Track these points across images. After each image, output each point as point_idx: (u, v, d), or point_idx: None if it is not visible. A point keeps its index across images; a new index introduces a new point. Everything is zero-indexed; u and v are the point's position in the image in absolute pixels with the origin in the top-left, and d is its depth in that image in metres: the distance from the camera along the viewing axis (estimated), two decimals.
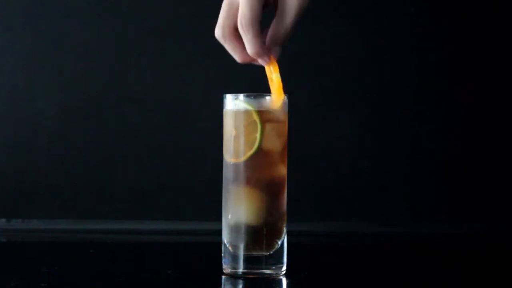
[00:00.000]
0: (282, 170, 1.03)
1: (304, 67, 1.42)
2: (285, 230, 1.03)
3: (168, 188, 1.42)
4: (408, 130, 1.43)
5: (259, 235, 1.01)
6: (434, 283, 1.04)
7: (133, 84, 1.42)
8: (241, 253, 1.02)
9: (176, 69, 1.42)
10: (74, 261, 1.17)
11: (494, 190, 1.42)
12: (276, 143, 1.02)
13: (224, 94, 1.04)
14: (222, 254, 1.04)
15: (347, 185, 1.42)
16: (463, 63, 1.42)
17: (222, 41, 1.02)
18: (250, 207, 1.01)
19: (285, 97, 1.03)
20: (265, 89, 1.04)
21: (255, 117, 1.01)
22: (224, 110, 1.04)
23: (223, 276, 1.03)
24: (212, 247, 1.12)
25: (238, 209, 1.02)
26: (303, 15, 1.01)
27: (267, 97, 1.02)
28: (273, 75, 1.02)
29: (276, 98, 1.02)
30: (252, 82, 1.40)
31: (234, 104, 1.02)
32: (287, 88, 1.03)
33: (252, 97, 1.02)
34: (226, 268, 1.03)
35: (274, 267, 1.02)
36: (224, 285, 1.01)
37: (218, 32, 1.01)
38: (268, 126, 1.01)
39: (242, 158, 1.01)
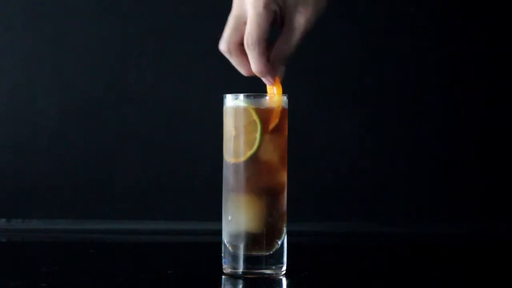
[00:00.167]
0: (282, 170, 1.03)
1: (304, 67, 1.42)
2: (285, 230, 1.03)
3: (168, 188, 1.42)
4: (408, 130, 1.43)
5: (259, 235, 1.01)
6: (434, 283, 1.04)
7: (133, 84, 1.42)
8: (241, 253, 1.02)
9: (176, 69, 1.42)
10: (74, 261, 1.17)
11: (494, 190, 1.42)
12: (276, 143, 1.02)
13: (224, 94, 1.04)
14: (222, 254, 1.04)
15: (347, 185, 1.42)
16: (463, 63, 1.42)
17: (227, 56, 1.02)
18: (250, 207, 1.02)
19: (285, 97, 1.03)
20: (265, 89, 1.04)
21: (255, 117, 1.01)
22: (224, 110, 1.04)
23: (223, 276, 1.03)
24: (212, 247, 1.12)
25: (238, 209, 1.02)
26: (308, 35, 1.01)
27: (267, 97, 1.02)
28: (276, 96, 1.02)
29: (275, 97, 1.02)
30: (252, 82, 1.40)
31: (234, 104, 1.02)
32: (287, 87, 1.03)
33: (252, 97, 1.02)
34: (226, 268, 1.03)
35: (274, 267, 1.02)
36: (224, 285, 1.01)
37: (224, 47, 1.01)
38: (268, 126, 1.01)
39: (242, 158, 1.01)
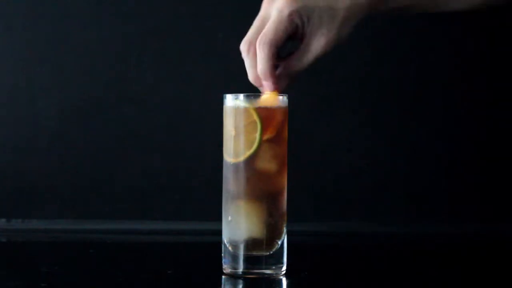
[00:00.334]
0: (282, 171, 1.03)
1: None
2: (285, 230, 1.03)
3: (168, 188, 1.42)
4: (408, 130, 1.43)
5: (259, 235, 1.01)
6: (434, 283, 1.04)
7: (133, 84, 1.42)
8: (241, 253, 1.02)
9: (176, 69, 1.42)
10: (74, 261, 1.17)
11: (494, 190, 1.42)
12: (276, 143, 1.02)
13: (224, 94, 1.04)
14: (222, 254, 1.04)
15: (347, 185, 1.42)
16: (463, 63, 1.42)
17: (244, 54, 1.01)
18: (250, 207, 1.02)
19: (285, 97, 1.03)
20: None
21: (255, 117, 1.01)
22: (224, 110, 1.04)
23: (223, 276, 1.03)
24: (212, 247, 1.12)
25: (238, 209, 1.02)
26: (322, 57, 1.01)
27: (267, 97, 1.02)
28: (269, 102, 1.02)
29: (276, 97, 1.02)
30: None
31: (234, 104, 1.02)
32: (287, 87, 1.03)
33: (252, 97, 1.02)
34: (226, 268, 1.03)
35: (274, 267, 1.02)
36: (224, 285, 1.01)
37: (244, 46, 1.01)
38: (268, 126, 1.01)
39: (242, 158, 1.01)
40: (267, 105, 1.02)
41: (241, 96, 1.02)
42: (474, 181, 1.42)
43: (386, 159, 1.42)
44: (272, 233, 1.02)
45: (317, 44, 1.00)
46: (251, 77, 1.01)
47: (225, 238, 1.03)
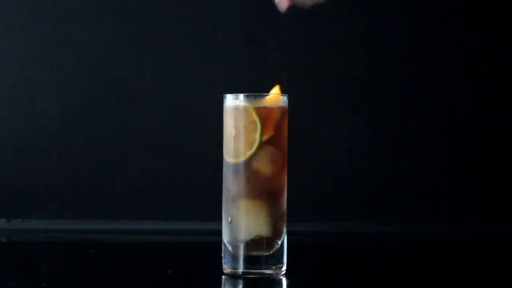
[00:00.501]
0: (282, 171, 1.03)
1: (304, 67, 1.42)
2: (285, 230, 1.03)
3: (168, 188, 1.42)
4: (408, 130, 1.43)
5: (259, 235, 1.01)
6: (434, 283, 1.04)
7: (133, 84, 1.42)
8: (241, 253, 1.02)
9: (176, 69, 1.42)
10: (74, 261, 1.17)
11: (494, 190, 1.42)
12: (276, 143, 1.02)
13: (224, 94, 1.04)
14: (222, 254, 1.04)
15: (347, 185, 1.42)
16: (463, 63, 1.42)
17: None
18: (250, 207, 1.02)
19: (285, 97, 1.03)
20: (265, 89, 1.04)
21: (255, 117, 1.01)
22: (224, 110, 1.04)
23: (223, 276, 1.03)
24: (212, 247, 1.12)
25: (238, 209, 1.02)
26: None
27: (267, 97, 1.02)
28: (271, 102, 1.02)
29: (275, 97, 1.02)
30: (252, 82, 1.41)
31: (234, 104, 1.02)
32: (288, 87, 1.04)
33: (252, 97, 1.02)
34: (226, 268, 1.03)
35: (274, 267, 1.02)
36: (224, 285, 1.01)
37: None
38: (268, 126, 1.01)
39: (242, 158, 1.01)
40: (267, 105, 1.02)
41: (241, 96, 1.02)
42: (474, 181, 1.42)
43: (386, 159, 1.42)
44: (272, 233, 1.02)
45: None
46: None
47: (225, 238, 1.03)
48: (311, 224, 1.40)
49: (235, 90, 1.04)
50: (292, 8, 1.09)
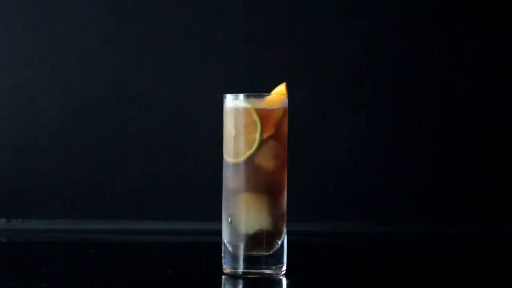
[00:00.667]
0: (282, 170, 1.03)
1: (304, 67, 1.42)
2: (285, 230, 1.03)
3: (168, 188, 1.42)
4: (408, 130, 1.43)
5: (259, 236, 1.01)
6: (434, 283, 1.04)
7: (133, 84, 1.42)
8: (241, 253, 1.02)
9: (176, 69, 1.42)
10: (74, 261, 1.17)
11: (494, 190, 1.41)
12: (276, 143, 1.02)
13: (224, 94, 1.04)
14: (222, 254, 1.04)
15: (347, 185, 1.42)
16: (463, 63, 1.42)
17: None
18: (250, 207, 1.02)
19: (285, 97, 1.03)
20: (265, 89, 1.04)
21: (255, 117, 1.01)
22: (224, 110, 1.04)
23: (223, 276, 1.03)
24: (212, 247, 1.12)
25: (238, 209, 1.02)
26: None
27: (267, 97, 1.02)
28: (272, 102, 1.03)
29: (275, 97, 1.02)
30: (252, 82, 1.41)
31: (234, 104, 1.02)
32: (288, 87, 1.04)
33: (252, 97, 1.02)
34: (226, 268, 1.03)
35: (274, 267, 1.02)
36: (224, 285, 1.01)
37: None
38: (268, 126, 1.01)
39: (242, 158, 1.01)
40: (267, 105, 1.02)
41: (241, 96, 1.02)
42: (474, 181, 1.42)
43: (386, 159, 1.42)
44: (272, 233, 1.02)
45: None
46: None
47: (225, 238, 1.03)
48: (311, 224, 1.40)
49: (235, 90, 1.04)
50: None
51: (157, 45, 1.42)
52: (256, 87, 1.05)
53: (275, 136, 1.02)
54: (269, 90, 1.04)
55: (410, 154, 1.42)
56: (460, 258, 1.22)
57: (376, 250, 1.28)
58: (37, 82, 1.42)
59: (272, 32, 1.42)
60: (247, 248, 1.01)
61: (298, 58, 1.42)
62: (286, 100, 1.03)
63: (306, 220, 1.40)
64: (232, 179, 1.02)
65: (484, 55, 1.42)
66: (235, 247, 1.02)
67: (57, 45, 1.42)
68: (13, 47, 1.42)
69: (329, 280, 1.05)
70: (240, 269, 1.02)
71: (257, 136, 1.01)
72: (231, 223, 1.03)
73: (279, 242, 1.02)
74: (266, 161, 1.02)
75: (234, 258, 1.02)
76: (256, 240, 1.01)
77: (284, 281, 1.01)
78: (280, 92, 1.03)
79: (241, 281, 1.01)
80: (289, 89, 1.04)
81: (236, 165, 1.02)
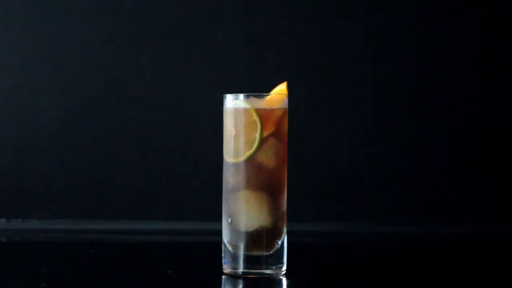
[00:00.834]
0: (282, 169, 1.03)
1: (304, 67, 1.42)
2: (285, 230, 1.03)
3: (168, 188, 1.42)
4: (408, 130, 1.42)
5: (259, 235, 1.01)
6: (434, 283, 1.04)
7: (133, 84, 1.42)
8: (241, 253, 1.02)
9: (176, 69, 1.42)
10: (74, 261, 1.17)
11: (494, 190, 1.41)
12: (276, 143, 1.02)
13: (224, 94, 1.04)
14: (222, 254, 1.04)
15: (347, 185, 1.42)
16: (463, 63, 1.42)
17: None
18: (250, 207, 1.02)
19: (285, 97, 1.03)
20: (265, 89, 1.04)
21: (255, 117, 1.01)
22: (224, 110, 1.04)
23: (223, 276, 1.03)
24: (212, 247, 1.12)
25: (238, 209, 1.02)
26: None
27: (267, 97, 1.02)
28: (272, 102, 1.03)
29: (275, 97, 1.02)
30: (252, 82, 1.41)
31: (234, 104, 1.02)
32: (288, 87, 1.04)
33: (252, 97, 1.02)
34: (226, 268, 1.03)
35: (274, 267, 1.02)
36: (224, 285, 1.01)
37: None
38: (268, 126, 1.01)
39: (242, 158, 1.01)
40: (267, 105, 1.02)
41: (241, 96, 1.02)
42: (474, 181, 1.42)
43: (386, 159, 1.42)
44: (272, 233, 1.02)
45: None
46: None
47: (225, 238, 1.03)
48: (311, 224, 1.40)
49: (235, 90, 1.04)
50: None
51: (157, 45, 1.42)
52: (256, 87, 1.05)
53: (275, 135, 1.02)
54: (269, 90, 1.04)
55: (410, 154, 1.42)
56: (460, 258, 1.22)
57: (376, 250, 1.28)
58: (37, 82, 1.42)
59: (272, 32, 1.42)
60: (247, 248, 1.01)
61: (298, 58, 1.42)
62: (286, 100, 1.03)
63: (306, 220, 1.40)
64: (232, 179, 1.02)
65: (484, 55, 1.42)
66: (235, 247, 1.02)
67: (57, 45, 1.42)
68: (13, 47, 1.42)
69: (329, 280, 1.05)
70: (240, 269, 1.02)
71: (257, 136, 1.01)
72: (231, 223, 1.03)
73: (279, 242, 1.02)
74: (267, 159, 1.02)
75: (234, 258, 1.02)
76: (256, 240, 1.01)
77: (284, 281, 1.01)
78: (280, 91, 1.03)
79: (241, 281, 1.01)
80: (289, 89, 1.04)
81: (236, 165, 1.02)
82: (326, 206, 1.42)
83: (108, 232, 1.38)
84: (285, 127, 1.03)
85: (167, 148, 1.42)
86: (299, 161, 1.36)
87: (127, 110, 1.42)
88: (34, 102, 1.42)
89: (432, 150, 1.42)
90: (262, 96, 1.02)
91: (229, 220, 1.03)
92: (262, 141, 1.01)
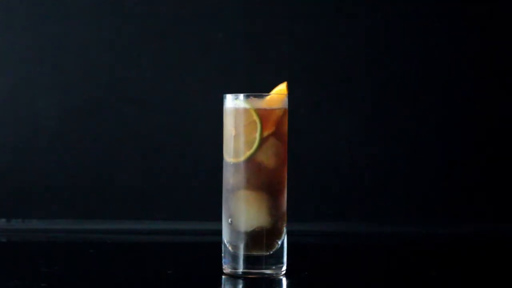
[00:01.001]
0: (282, 170, 1.03)
1: (304, 67, 1.42)
2: (285, 230, 1.03)
3: (168, 188, 1.42)
4: (408, 130, 1.43)
5: (259, 235, 1.01)
6: (434, 283, 1.04)
7: (133, 84, 1.42)
8: (241, 253, 1.02)
9: (176, 69, 1.42)
10: (74, 261, 1.17)
11: (494, 190, 1.41)
12: (276, 143, 1.02)
13: (224, 94, 1.04)
14: (222, 254, 1.04)
15: (347, 185, 1.42)
16: (463, 63, 1.42)
17: None
18: (250, 207, 1.02)
19: (285, 97, 1.03)
20: (265, 89, 1.04)
21: (255, 117, 1.01)
22: (224, 110, 1.04)
23: (223, 276, 1.03)
24: (212, 247, 1.12)
25: (238, 209, 1.02)
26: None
27: (267, 97, 1.02)
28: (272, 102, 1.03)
29: (275, 97, 1.02)
30: (252, 82, 1.41)
31: (234, 104, 1.02)
32: (288, 87, 1.04)
33: (252, 97, 1.02)
34: (226, 268, 1.03)
35: (274, 267, 1.02)
36: (224, 285, 1.01)
37: None
38: (268, 126, 1.01)
39: (242, 158, 1.01)
40: (268, 105, 1.02)
41: (241, 96, 1.02)
42: (474, 181, 1.42)
43: (386, 159, 1.42)
44: (272, 233, 1.02)
45: None
46: None
47: (225, 238, 1.03)
48: (311, 224, 1.40)
49: (235, 90, 1.04)
50: None
51: (157, 45, 1.42)
52: (256, 87, 1.05)
53: (275, 135, 1.02)
54: (269, 90, 1.04)
55: (410, 154, 1.42)
56: (460, 258, 1.22)
57: (376, 250, 1.28)
58: (37, 82, 1.42)
59: (272, 32, 1.42)
60: (247, 248, 1.01)
61: (298, 58, 1.42)
62: (286, 100, 1.03)
63: (306, 220, 1.40)
64: (232, 179, 1.02)
65: (484, 55, 1.42)
66: (235, 247, 1.02)
67: (57, 45, 1.42)
68: (13, 47, 1.42)
69: (329, 280, 1.05)
70: (240, 269, 1.02)
71: (257, 136, 1.01)
72: (231, 223, 1.03)
73: (279, 242, 1.02)
74: (267, 159, 1.02)
75: (234, 258, 1.02)
76: (256, 240, 1.01)
77: (284, 281, 1.01)
78: (280, 91, 1.03)
79: (241, 281, 1.01)
80: (289, 89, 1.04)
81: (236, 165, 1.02)
82: (326, 206, 1.42)
83: (108, 232, 1.38)
84: (285, 127, 1.03)
85: (167, 148, 1.42)
86: (299, 161, 1.36)
87: (127, 110, 1.42)
88: (34, 102, 1.42)
89: (432, 150, 1.42)
90: (262, 96, 1.02)
91: (229, 220, 1.03)
92: (262, 141, 1.01)
